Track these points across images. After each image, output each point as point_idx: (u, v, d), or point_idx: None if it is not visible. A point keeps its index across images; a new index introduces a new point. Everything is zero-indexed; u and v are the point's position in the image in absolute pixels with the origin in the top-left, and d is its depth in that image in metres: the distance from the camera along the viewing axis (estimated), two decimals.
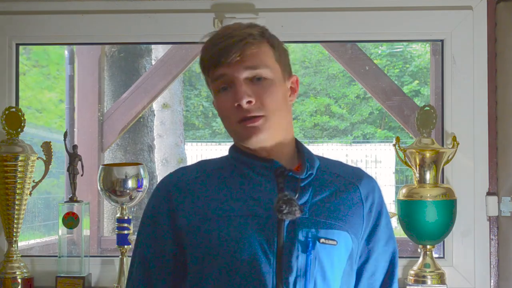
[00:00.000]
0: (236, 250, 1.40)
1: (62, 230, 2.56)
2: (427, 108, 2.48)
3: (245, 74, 1.42)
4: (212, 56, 1.43)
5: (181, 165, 6.00)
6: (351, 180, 1.52)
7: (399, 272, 2.53)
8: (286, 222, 1.41)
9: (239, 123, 1.43)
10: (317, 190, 1.47)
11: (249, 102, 1.41)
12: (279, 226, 1.40)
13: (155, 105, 5.62)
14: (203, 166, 1.54)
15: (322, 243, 1.42)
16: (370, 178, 1.55)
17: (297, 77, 1.54)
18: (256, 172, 1.46)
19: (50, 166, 2.58)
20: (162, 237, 1.49)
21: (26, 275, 2.51)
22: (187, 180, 1.50)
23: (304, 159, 1.49)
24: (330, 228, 1.44)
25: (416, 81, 9.40)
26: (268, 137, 1.45)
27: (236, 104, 1.41)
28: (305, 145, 1.56)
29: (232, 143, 1.55)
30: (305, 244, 1.41)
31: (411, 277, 2.42)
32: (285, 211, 1.37)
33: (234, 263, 1.40)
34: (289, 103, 1.51)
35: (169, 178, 1.55)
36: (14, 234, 2.51)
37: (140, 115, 4.11)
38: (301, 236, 1.41)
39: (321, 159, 1.55)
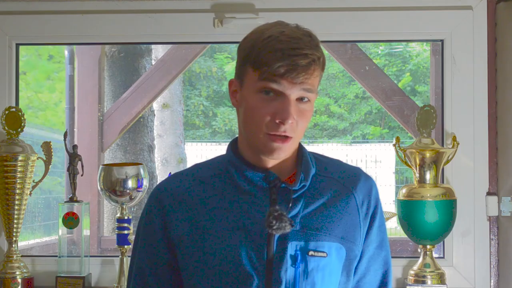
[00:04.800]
0: (225, 264, 1.41)
1: (62, 230, 2.56)
2: (427, 108, 2.48)
3: (299, 94, 1.41)
4: (280, 65, 1.39)
5: (181, 165, 6.02)
6: (346, 186, 1.50)
7: (399, 272, 2.54)
8: (277, 236, 1.41)
9: (267, 135, 1.42)
10: (309, 200, 1.46)
11: (291, 123, 1.41)
12: (269, 240, 1.41)
13: (155, 105, 5.62)
14: (198, 173, 1.53)
15: (311, 255, 1.42)
16: (366, 180, 1.53)
17: None
18: (250, 182, 1.45)
19: (50, 166, 2.58)
20: (156, 248, 1.50)
21: (26, 275, 2.51)
22: (181, 190, 1.49)
23: (300, 169, 1.48)
24: (320, 240, 1.43)
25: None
26: (284, 156, 1.45)
27: (278, 121, 1.40)
28: (305, 145, 1.55)
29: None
30: (294, 257, 1.41)
31: (411, 277, 2.42)
32: (275, 227, 1.38)
33: (223, 276, 1.41)
34: None
35: (164, 187, 1.53)
36: (14, 234, 2.52)
37: (140, 115, 4.11)
38: (290, 249, 1.41)
39: (319, 161, 1.53)
